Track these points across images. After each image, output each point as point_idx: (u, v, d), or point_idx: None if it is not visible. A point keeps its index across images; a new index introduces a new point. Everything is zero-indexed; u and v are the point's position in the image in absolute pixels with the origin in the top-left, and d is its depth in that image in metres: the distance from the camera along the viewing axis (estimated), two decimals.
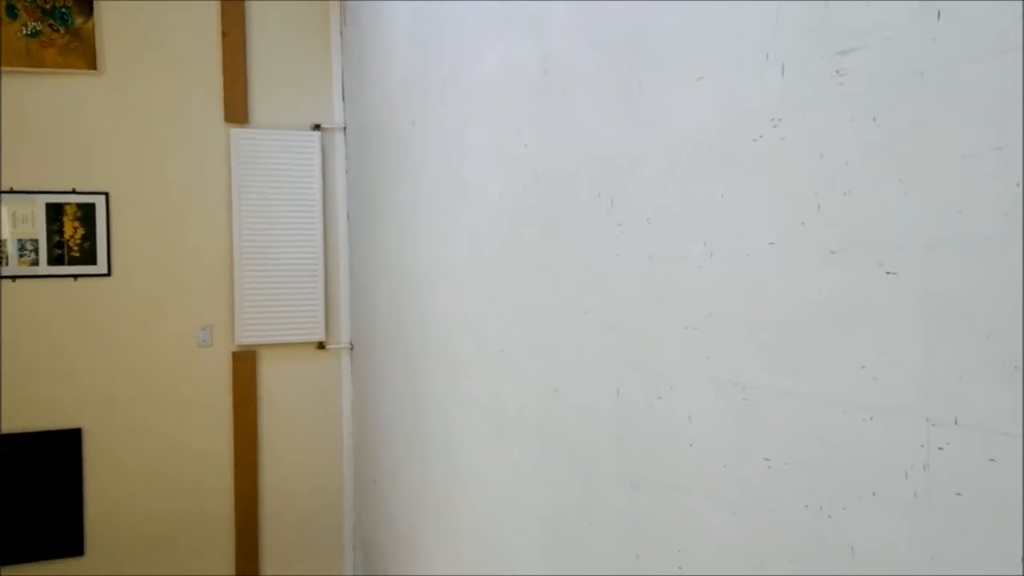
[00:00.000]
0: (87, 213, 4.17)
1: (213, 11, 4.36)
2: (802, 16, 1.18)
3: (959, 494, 0.93)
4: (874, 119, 1.06)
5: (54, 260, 4.13)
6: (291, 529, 4.44)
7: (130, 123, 4.23)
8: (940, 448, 0.95)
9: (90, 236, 4.18)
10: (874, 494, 1.04)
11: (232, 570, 4.36)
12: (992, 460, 0.89)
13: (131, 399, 4.20)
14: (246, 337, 4.34)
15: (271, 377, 4.43)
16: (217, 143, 4.41)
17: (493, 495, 2.40)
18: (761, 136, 1.26)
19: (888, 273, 1.03)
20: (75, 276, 4.15)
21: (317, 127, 4.57)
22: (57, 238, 4.12)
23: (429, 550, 3.07)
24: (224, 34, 4.40)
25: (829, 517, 1.12)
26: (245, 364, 4.38)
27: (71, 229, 4.14)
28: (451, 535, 2.80)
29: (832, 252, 1.12)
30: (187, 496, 4.27)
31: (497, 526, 2.37)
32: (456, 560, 2.75)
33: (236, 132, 4.40)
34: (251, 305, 4.35)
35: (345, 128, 4.60)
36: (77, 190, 4.16)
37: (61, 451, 4.08)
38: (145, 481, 4.21)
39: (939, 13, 0.97)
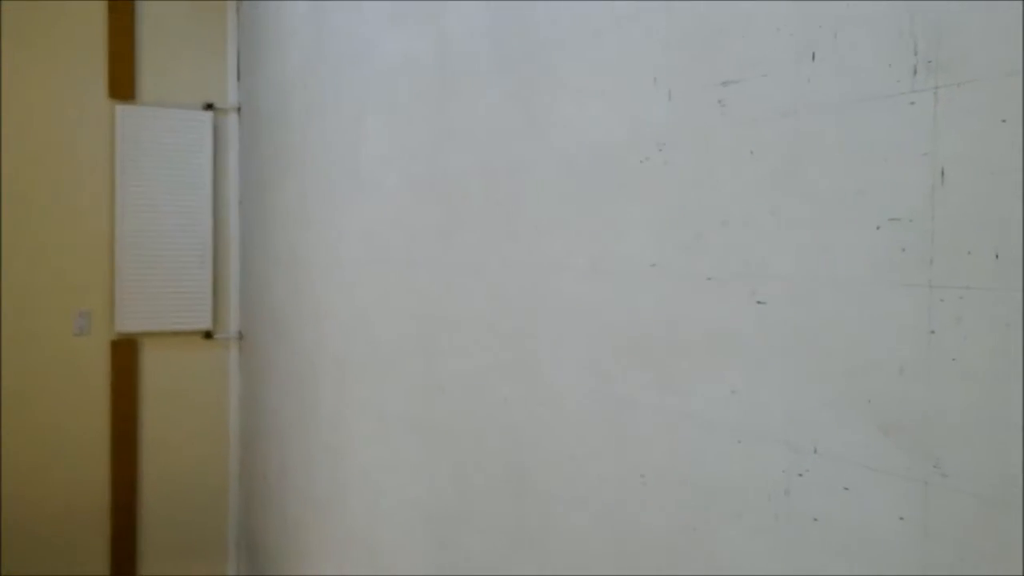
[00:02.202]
0: None
1: None
2: (690, 43, 1.20)
3: (816, 519, 0.97)
4: (751, 152, 1.09)
5: None
6: (172, 525, 4.29)
7: (2, 95, 3.97)
8: (800, 475, 0.99)
9: None
10: (739, 515, 1.08)
11: (107, 568, 4.18)
12: (846, 489, 0.93)
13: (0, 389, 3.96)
14: (127, 324, 4.15)
15: (154, 367, 4.25)
16: (100, 120, 4.18)
17: (379, 494, 2.38)
18: (648, 158, 1.28)
19: (759, 303, 1.06)
20: None
21: (210, 107, 4.40)
22: None
23: (316, 549, 3.02)
24: (110, 0, 4.16)
25: (698, 535, 1.16)
26: (125, 353, 4.19)
27: None
28: (338, 534, 2.77)
29: (708, 278, 1.15)
30: (59, 491, 4.06)
31: (382, 525, 2.35)
32: (341, 559, 2.72)
33: (122, 109, 4.19)
34: (133, 291, 4.16)
35: (239, 109, 4.44)
36: None
37: None
38: (14, 475, 3.98)
39: (814, 55, 1.00)
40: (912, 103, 0.88)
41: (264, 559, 3.83)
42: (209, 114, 4.37)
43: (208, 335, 4.35)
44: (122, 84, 4.22)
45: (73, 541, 4.11)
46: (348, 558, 2.65)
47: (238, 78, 4.45)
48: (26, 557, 4.02)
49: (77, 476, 4.10)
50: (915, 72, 0.87)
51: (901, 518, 0.87)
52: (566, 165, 1.49)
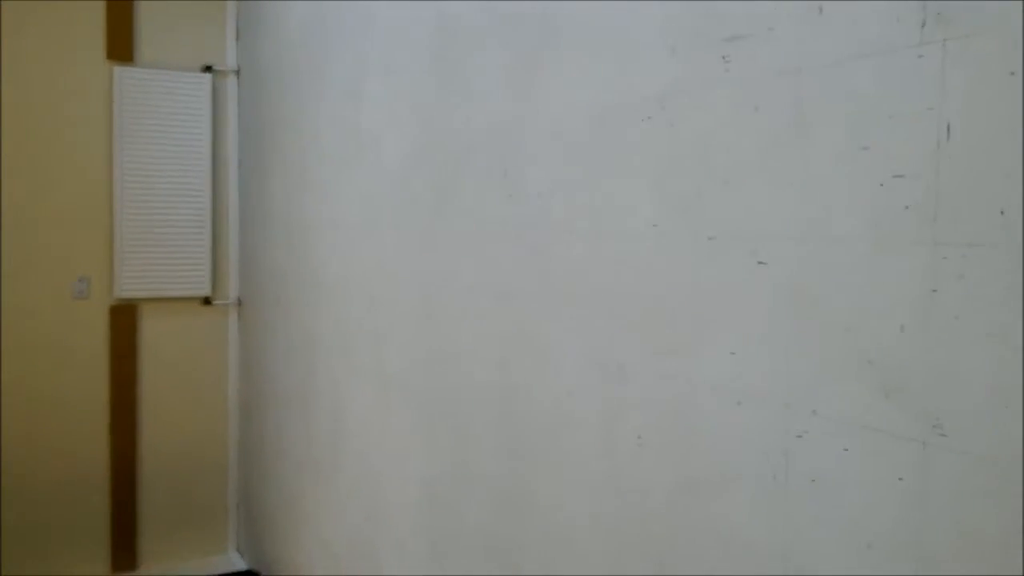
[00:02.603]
0: None
1: None
2: None
3: (814, 480, 0.97)
4: (756, 109, 1.07)
5: None
6: (172, 491, 4.31)
7: (1, 55, 3.92)
8: (799, 436, 0.99)
9: None
10: (737, 476, 1.08)
11: (107, 534, 4.21)
12: (845, 450, 0.93)
13: None
14: (126, 290, 4.14)
15: (153, 333, 4.25)
16: (98, 82, 4.13)
17: (376, 457, 2.39)
18: (650, 117, 1.26)
19: (760, 263, 1.05)
20: None
21: (208, 69, 4.34)
22: None
23: (313, 512, 3.04)
24: None
25: (696, 496, 1.15)
26: (125, 319, 4.18)
27: None
28: (335, 496, 2.78)
29: (709, 238, 1.14)
30: (59, 458, 4.08)
31: (378, 487, 2.36)
32: (339, 521, 2.73)
33: (120, 71, 4.14)
34: (132, 257, 4.14)
35: (239, 72, 4.40)
36: None
37: None
38: (12, 441, 3.99)
39: (821, 9, 0.98)
40: (920, 56, 0.85)
41: (263, 526, 3.85)
42: (208, 76, 4.32)
43: (207, 301, 4.33)
44: (120, 45, 4.17)
45: (73, 508, 4.13)
46: (344, 519, 2.66)
47: (237, 40, 4.40)
48: (25, 524, 4.04)
49: (76, 442, 4.11)
50: (923, 25, 0.85)
51: (900, 479, 0.86)
52: (567, 126, 1.46)
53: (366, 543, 2.48)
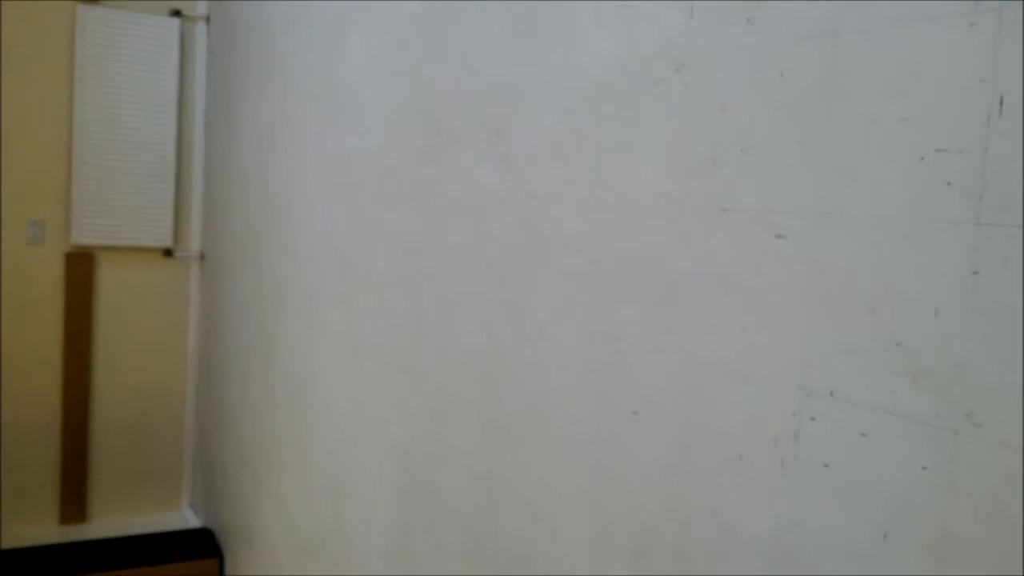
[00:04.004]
0: None
1: None
2: None
3: (827, 466, 0.93)
4: (781, 75, 1.01)
5: None
6: (126, 445, 4.20)
7: None
8: (812, 419, 0.94)
9: None
10: (741, 458, 1.04)
11: (56, 485, 4.08)
12: (864, 435, 0.89)
13: None
14: (84, 237, 3.98)
15: (110, 283, 4.10)
16: (60, 20, 3.94)
17: (345, 425, 2.32)
18: (662, 80, 1.19)
19: (778, 237, 1.00)
20: None
21: (177, 13, 4.17)
22: None
23: (276, 476, 2.96)
24: None
25: (693, 477, 1.11)
26: (81, 266, 4.03)
27: None
28: (298, 460, 2.71)
29: (723, 209, 1.08)
30: (8, 405, 3.94)
31: (347, 458, 2.29)
32: (301, 487, 2.66)
33: (84, 9, 3.95)
34: (91, 203, 3.98)
35: (208, 18, 4.23)
36: None
37: None
38: None
39: None
40: (972, 24, 0.80)
41: (219, 485, 3.77)
42: (176, 21, 4.15)
43: (168, 253, 4.20)
44: None
45: (21, 457, 4.01)
46: (311, 486, 2.60)
47: None
48: None
49: (27, 390, 3.97)
50: None
51: (924, 468, 0.82)
52: (568, 85, 1.40)
53: (330, 514, 2.42)
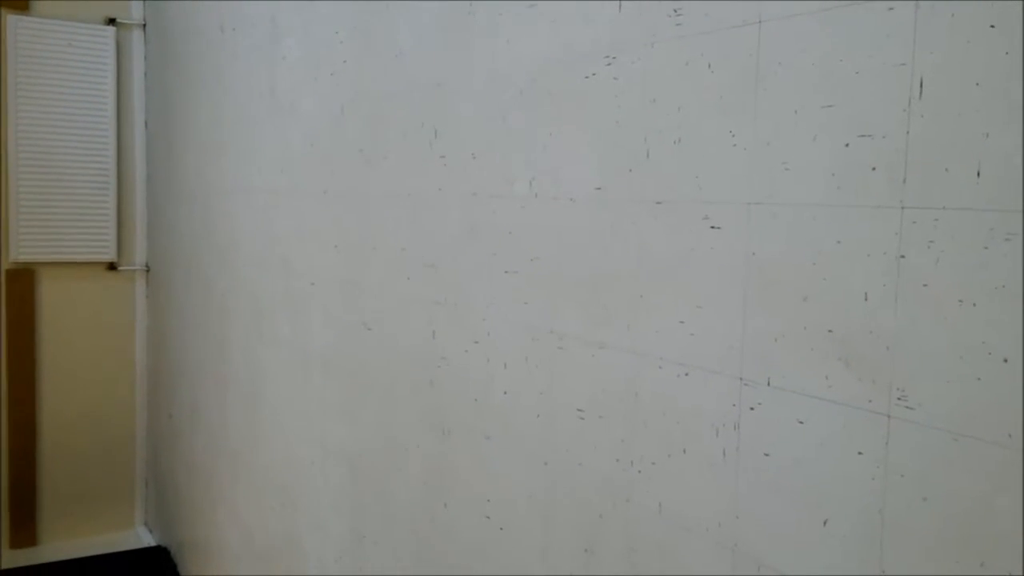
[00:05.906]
0: None
1: None
2: None
3: (767, 455, 0.92)
4: (709, 65, 1.01)
5: None
6: (75, 465, 4.08)
7: None
8: (752, 408, 0.94)
9: None
10: (684, 451, 1.03)
11: (5, 509, 3.96)
12: (801, 423, 0.88)
13: None
14: (22, 253, 3.87)
15: (53, 300, 3.99)
16: None
17: (295, 433, 2.28)
18: (594, 74, 1.19)
19: (712, 228, 1.00)
20: None
21: (112, 21, 4.07)
22: None
23: (229, 488, 2.91)
24: None
25: (639, 472, 1.10)
26: (21, 284, 3.91)
27: None
28: (251, 473, 2.66)
29: (658, 202, 1.08)
30: None
31: (298, 467, 2.25)
32: (255, 499, 2.61)
33: (14, 20, 3.83)
34: (29, 218, 3.87)
35: (145, 26, 4.13)
36: None
37: None
38: None
39: None
40: (891, 8, 0.81)
41: (174, 501, 3.69)
42: (111, 29, 4.05)
43: (112, 267, 4.10)
44: None
45: None
46: (262, 500, 2.55)
47: None
48: None
49: None
50: None
51: (860, 453, 0.82)
52: (503, 83, 1.38)
53: (285, 523, 2.38)
